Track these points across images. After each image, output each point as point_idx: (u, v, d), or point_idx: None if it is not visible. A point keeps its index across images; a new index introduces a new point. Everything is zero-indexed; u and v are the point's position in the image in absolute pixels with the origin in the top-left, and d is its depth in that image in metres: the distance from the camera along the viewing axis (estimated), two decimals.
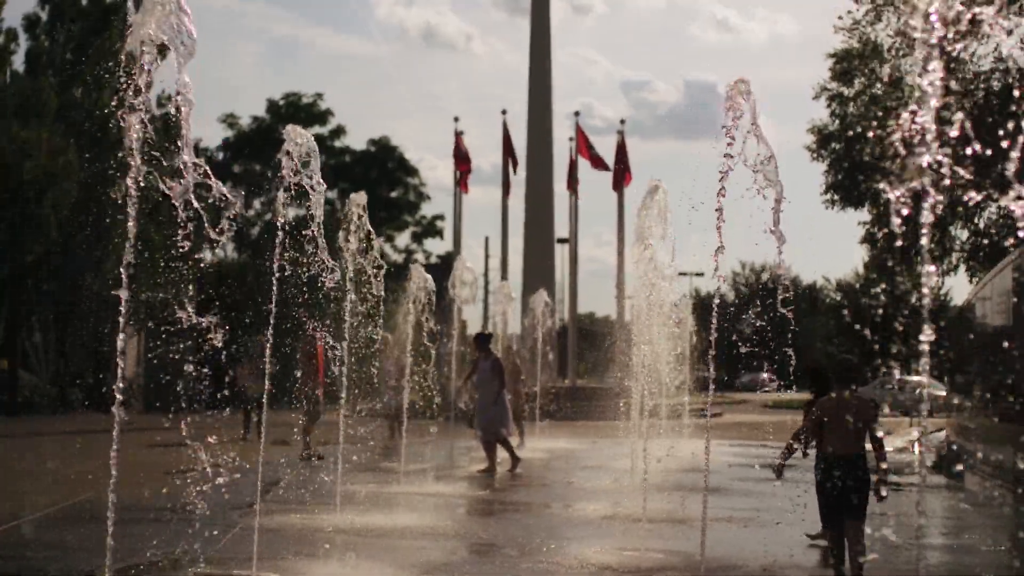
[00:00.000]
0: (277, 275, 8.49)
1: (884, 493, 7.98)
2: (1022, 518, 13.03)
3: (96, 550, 7.71)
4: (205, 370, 8.63)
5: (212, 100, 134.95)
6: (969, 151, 4.11)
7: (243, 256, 47.99)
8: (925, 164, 4.03)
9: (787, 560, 9.54)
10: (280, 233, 8.55)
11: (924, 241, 4.44)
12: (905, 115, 4.18)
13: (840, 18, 33.73)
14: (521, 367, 23.45)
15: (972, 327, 19.42)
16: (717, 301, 8.43)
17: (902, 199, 4.25)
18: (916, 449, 22.37)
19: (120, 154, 6.76)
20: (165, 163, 6.54)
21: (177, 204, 6.50)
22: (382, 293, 13.06)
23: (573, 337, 44.30)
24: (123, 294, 6.76)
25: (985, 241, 31.98)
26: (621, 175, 41.78)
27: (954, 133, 4.12)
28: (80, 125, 31.08)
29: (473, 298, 26.21)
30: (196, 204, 6.55)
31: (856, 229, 35.99)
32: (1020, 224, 4.09)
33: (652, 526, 11.06)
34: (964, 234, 33.74)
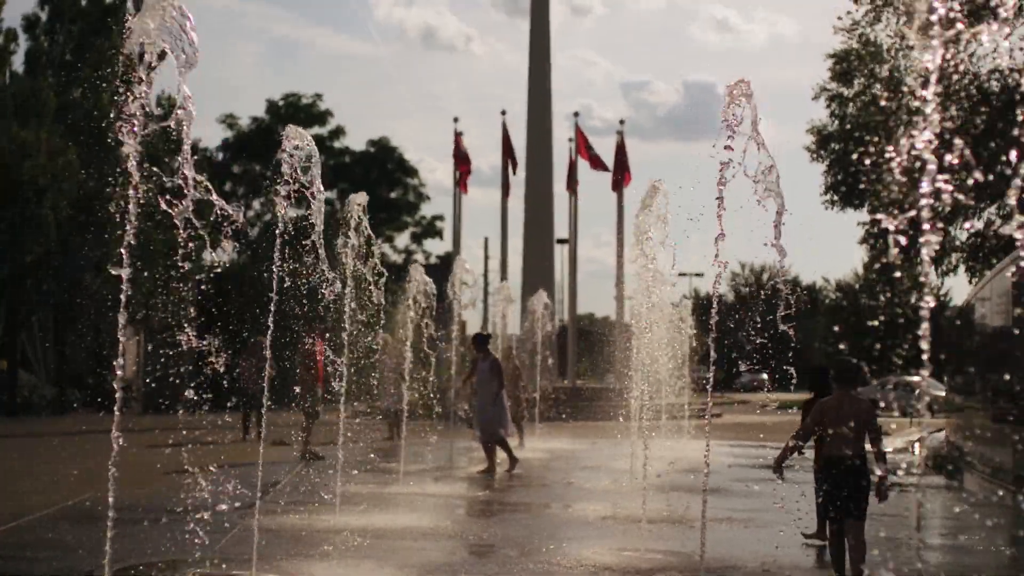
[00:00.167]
0: (276, 286, 8.46)
1: (885, 494, 7.98)
2: (1021, 518, 13.03)
3: (96, 550, 7.71)
4: (205, 370, 8.62)
5: (212, 100, 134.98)
6: (970, 173, 4.10)
7: (242, 257, 47.96)
8: (925, 192, 4.01)
9: (787, 560, 9.55)
10: (280, 240, 8.51)
11: (926, 271, 4.41)
12: (904, 141, 4.16)
13: (840, 18, 33.81)
14: (521, 369, 23.46)
15: (972, 328, 19.44)
16: (716, 302, 8.42)
17: (900, 229, 4.24)
18: (916, 449, 22.37)
19: (119, 169, 6.74)
20: (165, 179, 6.50)
21: (178, 223, 6.46)
22: (382, 302, 13.05)
23: (573, 338, 44.30)
24: (122, 296, 6.75)
25: (987, 240, 31.98)
26: (620, 176, 41.81)
27: (954, 146, 4.11)
28: (79, 125, 31.07)
29: (474, 303, 26.25)
30: (197, 223, 6.52)
31: (856, 229, 36.03)
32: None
33: (651, 526, 11.06)
34: (964, 235, 33.76)
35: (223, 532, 9.98)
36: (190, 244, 6.54)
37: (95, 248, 29.38)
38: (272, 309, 8.65)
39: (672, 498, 12.85)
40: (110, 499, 6.81)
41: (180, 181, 6.45)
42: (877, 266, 34.16)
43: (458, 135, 43.06)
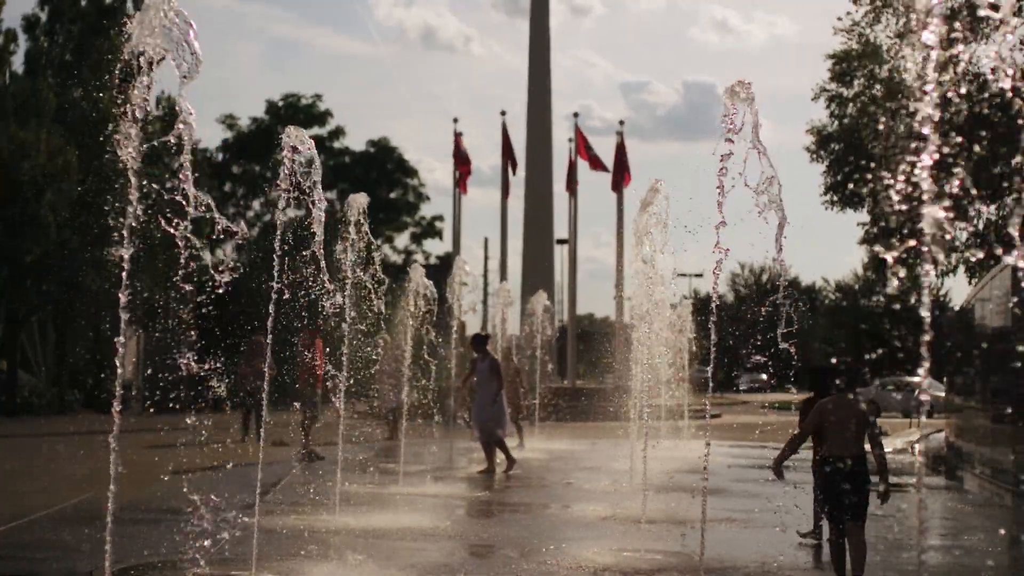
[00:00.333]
0: (275, 295, 8.43)
1: (886, 495, 7.99)
2: (1020, 518, 13.04)
3: (96, 550, 7.71)
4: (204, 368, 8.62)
5: (211, 100, 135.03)
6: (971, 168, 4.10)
7: (242, 257, 47.97)
8: (927, 223, 4.01)
9: (786, 560, 9.55)
10: (279, 250, 8.46)
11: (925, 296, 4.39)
12: (904, 167, 4.15)
13: (839, 19, 33.82)
14: (520, 372, 23.45)
15: (971, 328, 19.44)
16: (715, 291, 8.43)
17: (899, 260, 4.23)
18: (916, 450, 22.37)
19: (116, 186, 6.70)
20: (165, 194, 6.46)
21: (180, 243, 6.43)
22: (383, 311, 13.03)
23: (572, 338, 44.30)
24: (122, 296, 6.75)
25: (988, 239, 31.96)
26: (620, 176, 41.82)
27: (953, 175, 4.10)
28: (79, 126, 31.06)
29: (474, 308, 26.27)
30: (198, 243, 6.51)
31: (855, 230, 36.03)
32: None
33: (651, 527, 11.06)
34: (964, 235, 33.77)
35: (223, 532, 9.98)
36: (191, 264, 6.50)
37: (95, 248, 29.39)
38: (272, 312, 8.65)
39: (672, 499, 12.86)
40: (110, 499, 6.81)
41: (181, 198, 6.40)
42: (874, 276, 34.17)
43: (458, 135, 43.07)
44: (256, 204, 57.10)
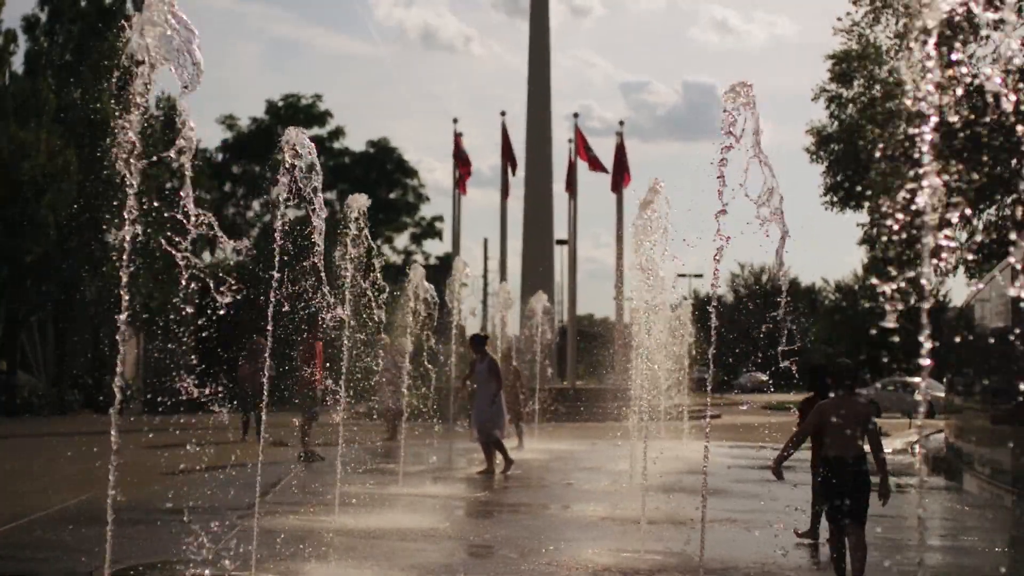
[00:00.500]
0: (275, 300, 8.41)
1: (886, 495, 7.99)
2: (1020, 519, 13.05)
3: (95, 551, 7.72)
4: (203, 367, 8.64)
5: (211, 100, 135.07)
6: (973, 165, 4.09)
7: (242, 257, 47.95)
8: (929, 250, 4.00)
9: (786, 561, 9.55)
10: (279, 255, 8.44)
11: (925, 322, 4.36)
12: (904, 194, 4.14)
13: (839, 19, 33.83)
14: (520, 375, 23.44)
15: (971, 328, 19.44)
16: (715, 304, 8.42)
17: (896, 291, 4.23)
18: (917, 451, 22.38)
19: (115, 203, 6.66)
20: (166, 214, 6.43)
21: (181, 265, 6.40)
22: (383, 320, 13.01)
23: (572, 339, 44.30)
24: (123, 298, 6.74)
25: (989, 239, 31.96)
26: (620, 177, 41.82)
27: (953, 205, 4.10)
28: (79, 126, 31.08)
29: (474, 312, 26.26)
30: (200, 264, 6.48)
31: (855, 230, 36.07)
32: None
33: (651, 527, 11.06)
34: (963, 235, 33.79)
35: (223, 532, 9.99)
36: (192, 285, 6.47)
37: (95, 249, 29.40)
38: (272, 314, 8.65)
39: (671, 499, 12.86)
40: (110, 499, 6.81)
41: (181, 216, 6.35)
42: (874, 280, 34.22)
43: (458, 136, 43.07)
44: (256, 204, 57.13)
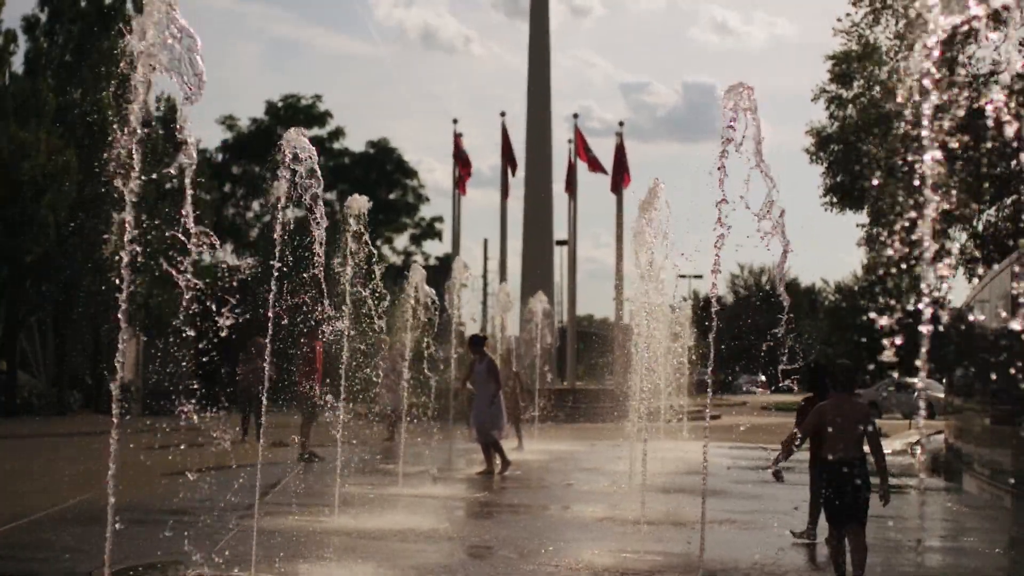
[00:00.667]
0: (274, 308, 8.39)
1: (885, 496, 8.00)
2: (1020, 520, 13.05)
3: (95, 551, 7.72)
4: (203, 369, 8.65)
5: (211, 101, 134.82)
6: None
7: (242, 257, 48.02)
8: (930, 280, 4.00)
9: (786, 562, 9.55)
10: (279, 262, 8.40)
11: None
12: (904, 222, 4.13)
13: (839, 20, 33.85)
14: (519, 378, 23.43)
15: (971, 329, 19.44)
16: (716, 306, 8.42)
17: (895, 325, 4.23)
18: (917, 452, 22.39)
19: (113, 223, 6.64)
20: (166, 232, 6.40)
21: (181, 284, 6.38)
22: (383, 328, 12.99)
23: (572, 339, 44.31)
24: (123, 299, 6.73)
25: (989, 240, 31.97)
26: (620, 177, 41.82)
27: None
28: (79, 126, 31.07)
29: (473, 318, 26.25)
30: (200, 284, 6.44)
31: (855, 231, 36.06)
32: None
33: (650, 528, 11.07)
34: (963, 236, 33.79)
35: (223, 532, 9.99)
36: (194, 306, 6.45)
37: (94, 249, 29.37)
38: (271, 315, 8.64)
39: (671, 500, 12.86)
40: (110, 500, 6.81)
41: (182, 235, 6.31)
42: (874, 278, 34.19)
43: (457, 136, 43.08)
44: (256, 205, 57.16)
